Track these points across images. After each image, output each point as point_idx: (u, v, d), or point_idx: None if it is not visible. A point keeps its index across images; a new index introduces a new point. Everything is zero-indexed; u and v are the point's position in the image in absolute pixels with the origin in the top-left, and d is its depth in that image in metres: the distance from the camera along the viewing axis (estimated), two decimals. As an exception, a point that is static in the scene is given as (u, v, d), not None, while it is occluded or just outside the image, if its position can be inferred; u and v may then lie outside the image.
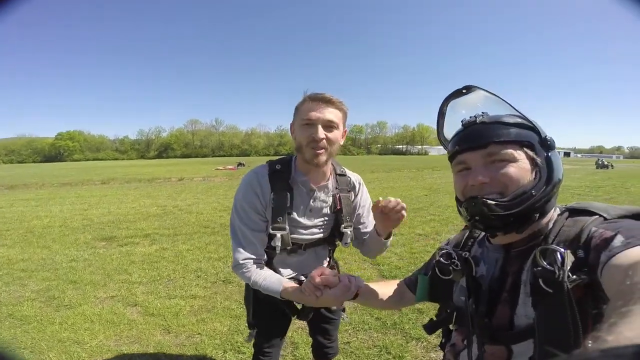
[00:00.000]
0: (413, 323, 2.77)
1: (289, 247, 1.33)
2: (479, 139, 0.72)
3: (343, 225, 1.39)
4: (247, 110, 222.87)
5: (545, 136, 0.72)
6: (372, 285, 1.08)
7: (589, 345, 0.32)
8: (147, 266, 4.39)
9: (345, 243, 1.44)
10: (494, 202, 0.68)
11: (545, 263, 0.62)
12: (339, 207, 1.38)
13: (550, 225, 0.72)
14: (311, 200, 1.34)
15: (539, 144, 0.71)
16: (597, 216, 0.67)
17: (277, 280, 1.23)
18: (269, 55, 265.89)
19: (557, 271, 0.59)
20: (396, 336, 2.62)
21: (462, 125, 0.78)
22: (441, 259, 0.87)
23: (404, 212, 1.16)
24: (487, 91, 0.79)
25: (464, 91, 0.82)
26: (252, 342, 1.55)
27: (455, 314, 0.86)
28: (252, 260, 1.28)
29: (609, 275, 0.55)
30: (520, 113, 0.74)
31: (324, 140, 1.21)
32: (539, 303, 0.64)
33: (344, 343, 2.52)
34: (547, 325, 0.62)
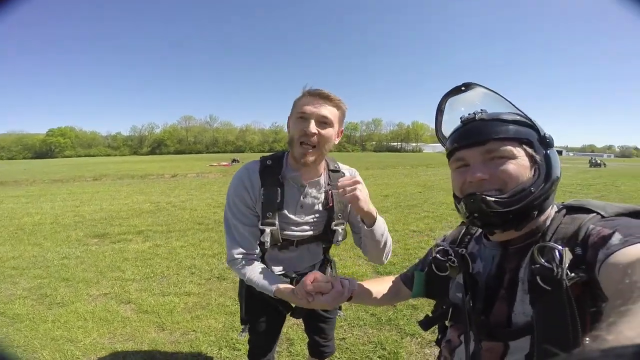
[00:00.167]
0: (408, 319, 2.79)
1: (279, 244, 1.31)
2: (477, 136, 0.72)
3: (334, 223, 1.36)
4: (242, 106, 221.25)
5: (544, 134, 0.72)
6: (367, 284, 1.07)
7: (589, 344, 0.31)
8: (140, 263, 4.35)
9: (337, 241, 1.41)
10: (493, 199, 0.68)
11: (543, 260, 0.62)
12: (330, 205, 1.35)
13: (548, 222, 0.72)
14: (302, 197, 1.31)
15: (537, 142, 0.71)
16: (594, 214, 0.67)
17: (271, 279, 1.22)
18: (264, 52, 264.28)
19: (555, 269, 0.59)
20: (391, 332, 2.64)
21: (461, 122, 0.77)
22: (438, 255, 0.86)
23: (357, 187, 1.07)
24: (486, 88, 0.78)
25: (462, 88, 0.82)
26: (246, 339, 1.53)
27: (451, 310, 0.86)
28: (246, 255, 1.27)
29: (607, 274, 0.54)
30: (519, 110, 0.74)
31: (316, 136, 1.18)
32: (537, 301, 0.64)
33: (339, 339, 2.53)
34: (546, 323, 0.62)
